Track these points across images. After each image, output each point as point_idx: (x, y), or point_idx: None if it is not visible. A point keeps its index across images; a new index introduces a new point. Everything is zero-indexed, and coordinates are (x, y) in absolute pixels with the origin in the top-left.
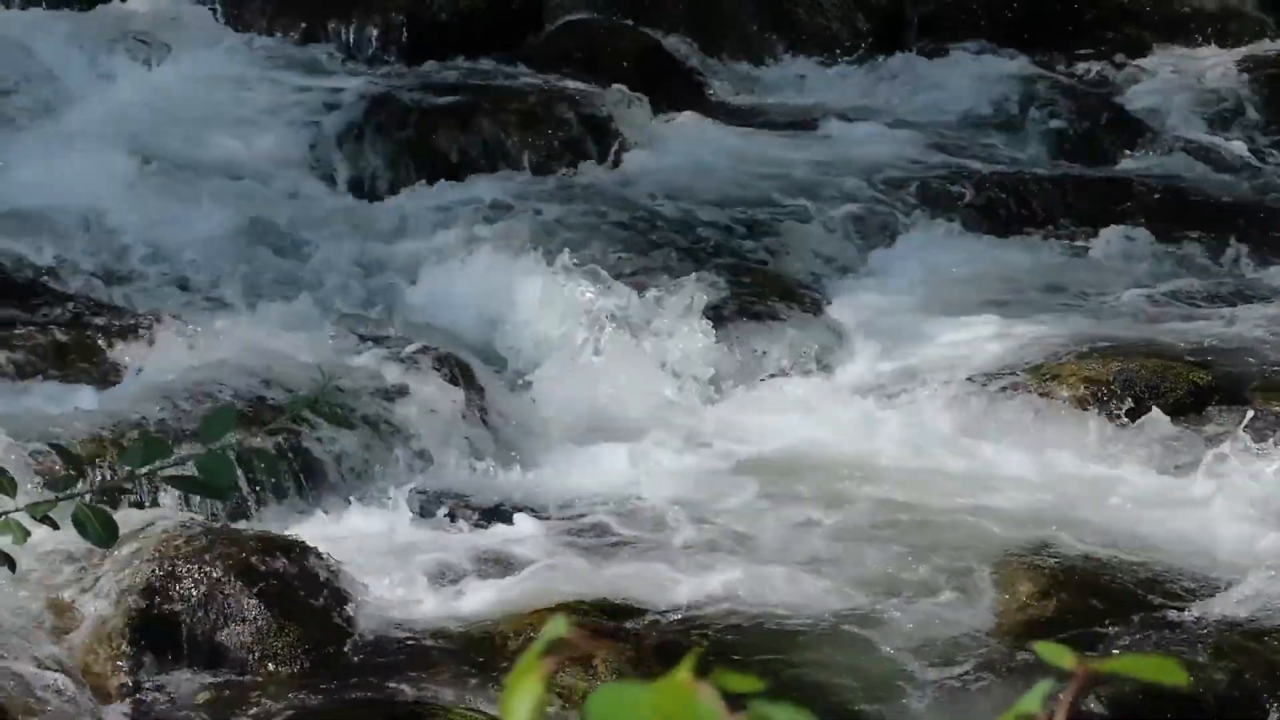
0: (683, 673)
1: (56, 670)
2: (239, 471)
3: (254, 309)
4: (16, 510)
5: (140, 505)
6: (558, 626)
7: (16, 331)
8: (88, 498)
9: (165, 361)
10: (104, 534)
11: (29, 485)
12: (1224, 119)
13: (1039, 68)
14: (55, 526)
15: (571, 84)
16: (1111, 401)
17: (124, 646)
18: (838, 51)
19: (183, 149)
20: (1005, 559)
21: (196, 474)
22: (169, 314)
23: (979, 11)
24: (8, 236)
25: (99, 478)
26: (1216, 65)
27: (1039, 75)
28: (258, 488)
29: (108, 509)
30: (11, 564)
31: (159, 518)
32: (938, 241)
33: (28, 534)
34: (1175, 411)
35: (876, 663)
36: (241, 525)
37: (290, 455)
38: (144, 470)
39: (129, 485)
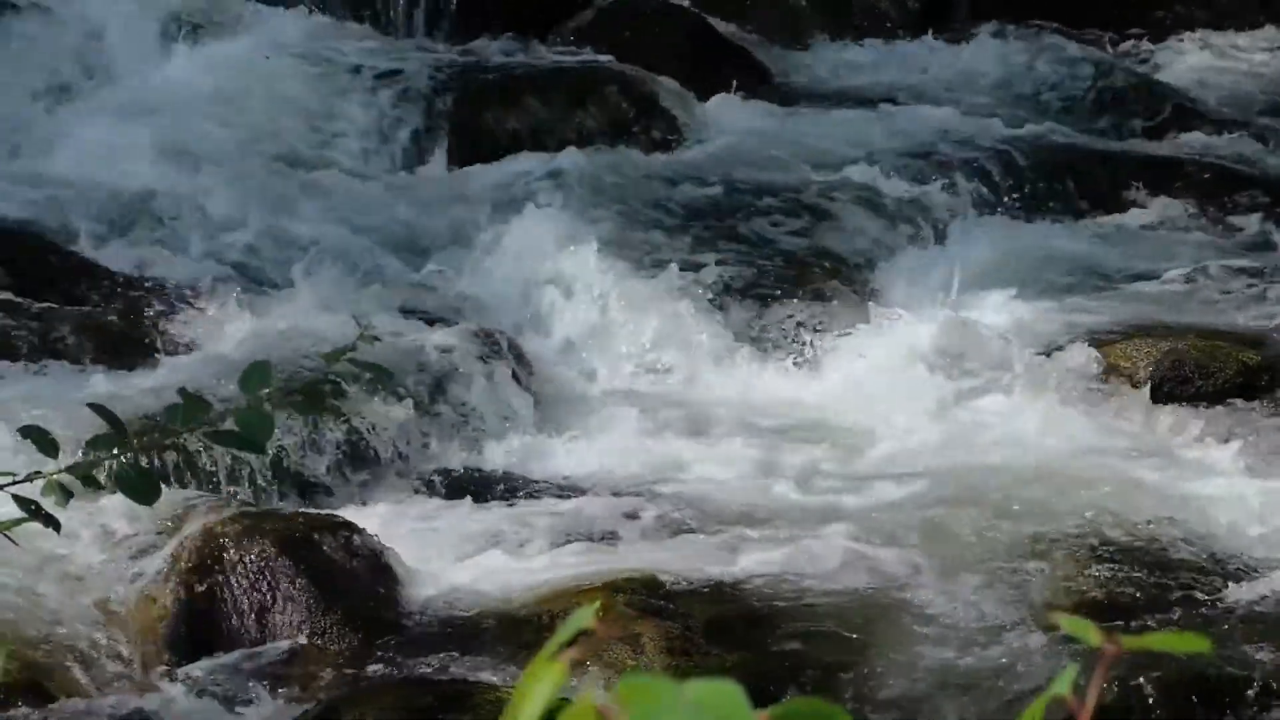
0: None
1: (106, 643)
2: (286, 450)
3: (301, 283)
4: (59, 472)
5: (187, 484)
6: (584, 616)
7: (64, 307)
8: (129, 456)
9: (214, 336)
10: (146, 491)
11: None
12: (1271, 98)
13: (1088, 47)
14: (98, 486)
15: (620, 63)
16: (1160, 381)
17: (173, 623)
18: (887, 30)
19: (230, 126)
20: (1053, 537)
21: (235, 429)
22: (217, 288)
23: None
24: (58, 210)
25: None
26: (1266, 44)
27: (1088, 55)
28: (300, 467)
29: (149, 466)
30: (56, 524)
31: (206, 498)
32: (986, 222)
33: (70, 495)
34: (1224, 391)
35: (923, 642)
36: (287, 505)
37: (334, 433)
38: (185, 428)
39: (170, 443)
